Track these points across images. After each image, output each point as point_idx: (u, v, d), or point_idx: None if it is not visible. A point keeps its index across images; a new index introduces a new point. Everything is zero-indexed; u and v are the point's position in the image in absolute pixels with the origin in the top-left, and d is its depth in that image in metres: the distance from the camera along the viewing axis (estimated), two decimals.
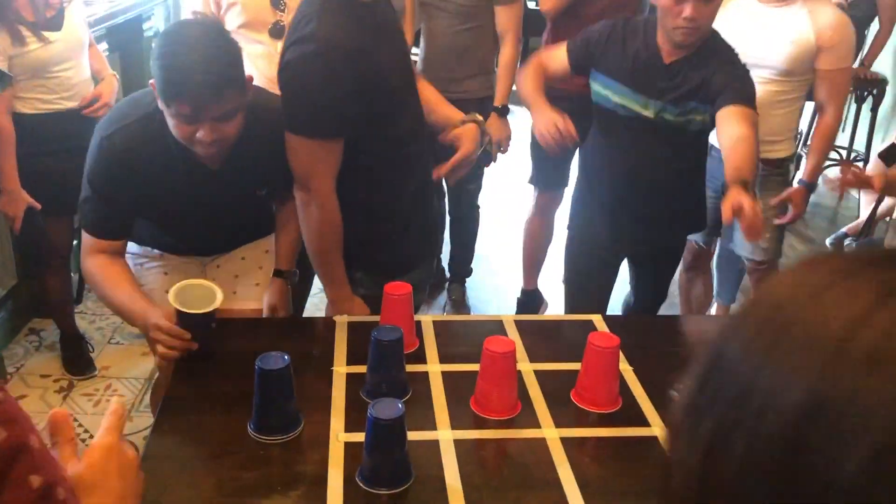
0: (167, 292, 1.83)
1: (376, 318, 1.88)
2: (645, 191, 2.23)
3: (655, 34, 2.11)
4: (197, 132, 1.62)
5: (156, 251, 2.00)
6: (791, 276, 0.46)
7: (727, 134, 1.98)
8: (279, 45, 2.12)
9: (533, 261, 3.20)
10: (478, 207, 3.27)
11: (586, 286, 2.38)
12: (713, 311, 3.42)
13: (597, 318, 1.97)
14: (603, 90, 2.19)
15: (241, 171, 1.81)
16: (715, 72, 2.05)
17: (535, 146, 2.99)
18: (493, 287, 3.52)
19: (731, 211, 1.77)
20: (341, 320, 1.90)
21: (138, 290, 1.80)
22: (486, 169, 3.13)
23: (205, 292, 1.71)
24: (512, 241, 3.46)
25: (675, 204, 2.26)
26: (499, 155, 2.89)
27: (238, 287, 2.03)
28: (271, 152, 1.79)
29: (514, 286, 3.35)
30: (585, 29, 2.23)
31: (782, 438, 0.40)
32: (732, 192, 1.80)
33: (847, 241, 3.56)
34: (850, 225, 3.82)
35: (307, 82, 1.71)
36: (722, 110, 2.00)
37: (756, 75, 2.21)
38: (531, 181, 3.10)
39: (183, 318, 1.66)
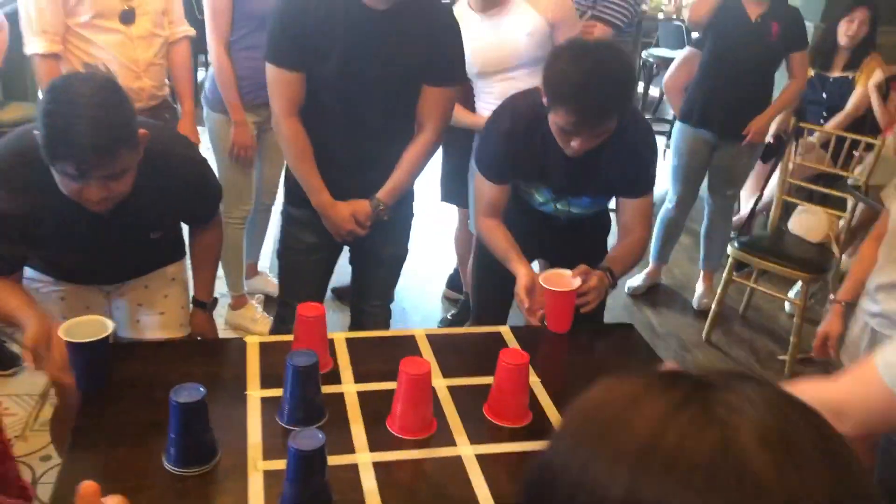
0: (65, 318, 1.78)
1: (289, 338, 1.88)
2: (549, 243, 2.35)
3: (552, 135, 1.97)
4: (83, 190, 1.57)
5: (50, 278, 1.92)
6: (595, 394, 0.55)
7: (623, 225, 2.16)
8: (132, 28, 2.56)
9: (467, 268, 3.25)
10: None
11: (493, 298, 2.42)
12: (700, 280, 3.84)
13: (504, 330, 2.04)
14: (526, 191, 2.21)
15: (132, 215, 1.75)
16: (623, 166, 2.05)
17: (445, 163, 3.04)
18: (409, 298, 3.56)
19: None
20: (252, 341, 1.89)
21: (27, 302, 1.72)
22: None
23: (95, 327, 1.64)
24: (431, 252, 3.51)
25: (583, 247, 2.31)
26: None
27: (141, 316, 1.99)
28: (166, 199, 1.76)
29: (431, 298, 3.46)
30: (482, 149, 2.17)
31: None
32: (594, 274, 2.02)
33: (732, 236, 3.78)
34: (734, 219, 4.05)
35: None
36: (622, 200, 2.15)
37: (501, 77, 2.48)
38: (444, 199, 3.15)
39: (71, 349, 1.60)
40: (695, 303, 3.85)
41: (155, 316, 2.00)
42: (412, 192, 2.34)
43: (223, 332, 3.07)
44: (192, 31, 2.83)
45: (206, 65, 3.00)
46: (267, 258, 3.67)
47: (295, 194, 2.24)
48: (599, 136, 1.91)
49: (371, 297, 2.45)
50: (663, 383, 0.52)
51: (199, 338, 2.10)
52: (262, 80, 2.39)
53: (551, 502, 0.50)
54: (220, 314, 3.21)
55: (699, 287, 3.88)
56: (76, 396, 1.68)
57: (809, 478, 0.45)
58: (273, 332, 2.38)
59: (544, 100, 1.91)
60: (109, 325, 1.65)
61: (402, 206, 2.30)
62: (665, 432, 0.47)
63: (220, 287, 3.28)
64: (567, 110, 1.84)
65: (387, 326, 2.49)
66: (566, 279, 2.00)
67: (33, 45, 2.45)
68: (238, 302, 3.23)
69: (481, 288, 2.46)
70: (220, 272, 3.05)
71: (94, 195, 1.57)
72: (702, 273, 3.90)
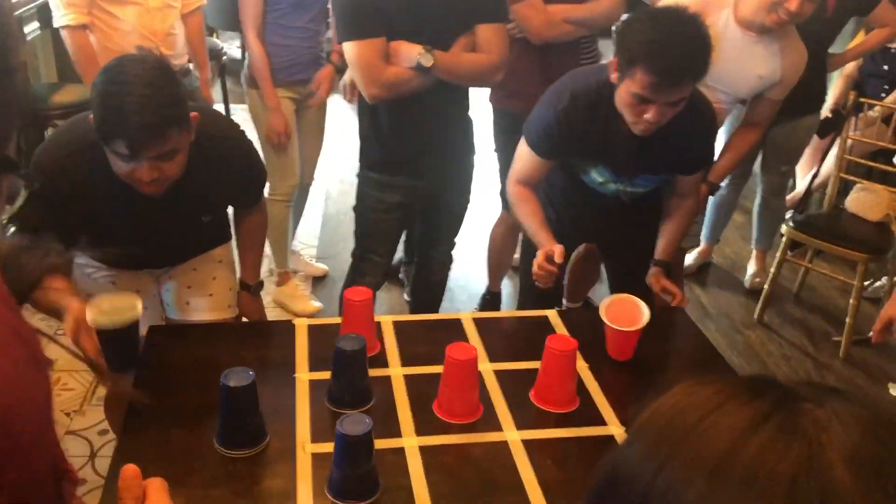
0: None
1: (337, 320, 1.90)
2: (603, 224, 2.31)
3: (615, 113, 1.93)
4: (135, 170, 1.59)
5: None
6: (677, 398, 0.52)
7: (676, 192, 2.18)
8: (149, 1, 2.68)
9: (496, 263, 3.22)
10: None
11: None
12: (752, 259, 3.81)
13: (551, 314, 2.02)
14: (583, 168, 2.15)
15: (184, 200, 1.77)
16: (685, 143, 2.02)
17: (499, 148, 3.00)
18: (456, 279, 3.55)
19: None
20: (300, 323, 1.91)
21: (67, 288, 1.75)
22: None
23: (125, 305, 1.67)
24: (478, 238, 3.50)
25: (636, 229, 2.29)
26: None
27: (191, 298, 2.02)
28: (217, 183, 1.78)
29: (477, 280, 3.42)
30: (535, 122, 2.07)
31: None
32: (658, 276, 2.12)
33: (788, 214, 3.68)
34: (788, 196, 3.95)
35: None
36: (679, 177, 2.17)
37: (713, 97, 2.31)
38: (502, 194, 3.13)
39: (98, 335, 1.61)
40: (746, 282, 3.77)
41: (204, 298, 2.03)
42: (473, 145, 2.49)
43: (269, 310, 3.12)
44: (203, 2, 2.96)
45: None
46: (307, 236, 3.70)
47: (372, 159, 2.38)
48: (674, 106, 1.84)
49: (439, 242, 2.65)
50: (749, 392, 0.50)
51: (245, 319, 2.13)
52: (300, 58, 2.40)
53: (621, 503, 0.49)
54: (268, 290, 3.27)
55: (751, 266, 3.80)
56: (123, 381, 1.72)
57: None
58: (347, 284, 2.46)
59: (613, 75, 1.87)
60: (138, 306, 1.67)
61: (466, 156, 2.49)
62: (747, 443, 0.46)
63: (266, 264, 3.36)
64: (644, 69, 1.77)
65: (448, 271, 2.77)
66: (630, 305, 1.86)
67: (62, 18, 2.60)
68: (283, 279, 3.28)
69: (528, 273, 2.44)
70: (267, 249, 3.13)
71: (145, 175, 1.59)
72: (754, 252, 3.82)
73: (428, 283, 2.72)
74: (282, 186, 3.06)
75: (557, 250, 1.95)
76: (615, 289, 2.34)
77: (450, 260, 2.74)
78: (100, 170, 1.65)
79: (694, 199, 2.24)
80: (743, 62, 2.34)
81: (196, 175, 1.71)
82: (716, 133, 2.10)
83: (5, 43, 0.68)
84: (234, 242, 2.14)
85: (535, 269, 1.99)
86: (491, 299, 3.30)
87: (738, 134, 2.61)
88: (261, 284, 2.15)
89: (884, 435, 0.46)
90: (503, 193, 2.55)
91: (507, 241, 3.16)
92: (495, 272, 3.26)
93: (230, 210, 2.10)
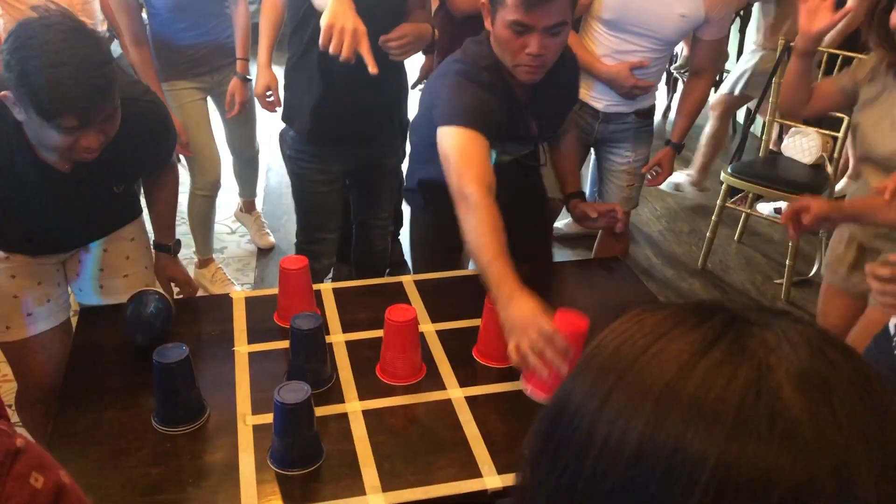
0: (15, 297, 1.78)
1: (273, 291, 1.87)
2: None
3: (502, 73, 1.81)
4: (81, 140, 1.50)
5: (0, 252, 1.79)
6: (624, 327, 0.51)
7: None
8: None
9: None
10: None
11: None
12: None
13: None
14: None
15: (98, 169, 1.67)
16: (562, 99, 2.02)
17: None
18: None
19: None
20: (237, 296, 1.88)
21: None
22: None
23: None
24: None
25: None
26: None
27: (105, 281, 1.93)
28: (132, 147, 1.70)
29: None
30: (455, 96, 1.77)
31: (618, 483, 0.44)
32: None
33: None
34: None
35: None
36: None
37: (639, 44, 2.30)
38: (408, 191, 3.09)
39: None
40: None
41: (119, 279, 1.94)
42: (406, 106, 2.50)
43: None
44: None
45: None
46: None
47: (310, 132, 2.30)
48: (553, 36, 1.71)
49: (378, 207, 2.60)
50: (696, 317, 0.49)
51: (172, 284, 2.06)
52: (197, 55, 2.71)
53: (569, 437, 0.48)
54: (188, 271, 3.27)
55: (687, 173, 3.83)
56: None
57: (846, 425, 0.43)
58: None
59: (487, 21, 1.77)
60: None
61: (399, 116, 2.49)
62: (695, 368, 0.45)
63: (187, 252, 3.31)
64: None
65: (389, 239, 2.72)
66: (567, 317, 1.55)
67: None
68: (203, 263, 3.26)
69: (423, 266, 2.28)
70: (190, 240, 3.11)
71: (93, 142, 1.52)
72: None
73: (369, 252, 2.68)
74: (201, 181, 3.02)
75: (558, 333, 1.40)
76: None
77: (389, 226, 2.70)
78: (3, 149, 1.57)
79: (707, 78, 2.49)
80: (660, 3, 2.28)
81: (114, 141, 1.61)
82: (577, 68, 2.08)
83: None
84: (146, 216, 2.05)
85: (511, 351, 1.44)
86: None
87: (688, 87, 2.57)
88: (178, 244, 2.06)
89: (832, 353, 0.46)
90: (411, 191, 2.19)
91: None
92: None
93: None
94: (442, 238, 2.10)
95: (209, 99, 3.02)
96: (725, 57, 4.60)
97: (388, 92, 2.35)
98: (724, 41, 2.45)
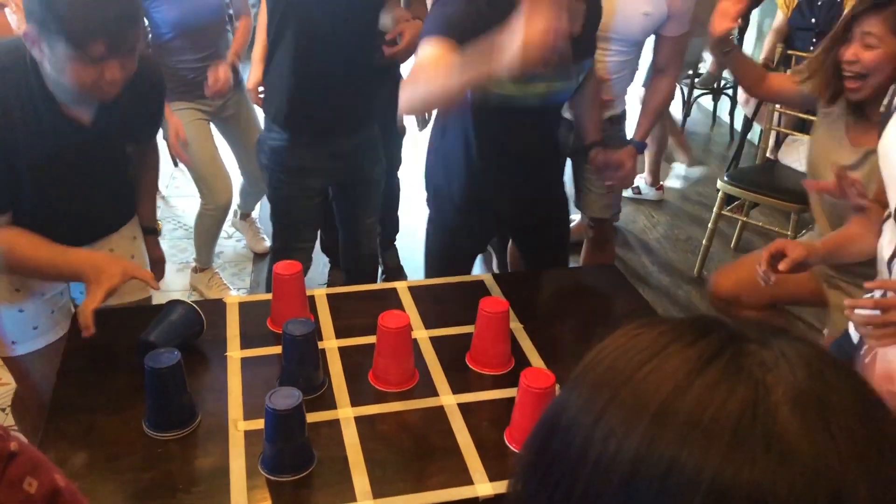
0: (21, 312, 1.80)
1: (266, 297, 1.87)
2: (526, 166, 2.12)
3: None
4: (106, 71, 1.52)
5: None
6: (620, 341, 0.50)
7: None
8: None
9: None
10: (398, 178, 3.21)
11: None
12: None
13: (486, 278, 2.02)
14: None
15: (112, 122, 1.71)
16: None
17: None
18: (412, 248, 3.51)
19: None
20: (231, 301, 1.88)
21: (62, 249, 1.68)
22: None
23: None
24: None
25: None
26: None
27: None
28: (139, 101, 1.74)
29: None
30: (442, 12, 1.72)
31: (611, 501, 0.44)
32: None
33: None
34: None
35: None
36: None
37: (604, 48, 2.29)
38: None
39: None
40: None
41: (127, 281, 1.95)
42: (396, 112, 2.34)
43: (183, 295, 3.11)
44: None
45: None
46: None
47: (293, 123, 2.26)
48: None
49: (363, 211, 2.56)
50: (694, 334, 0.48)
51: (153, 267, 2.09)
52: (199, 77, 2.70)
53: (562, 453, 0.47)
54: (185, 275, 3.34)
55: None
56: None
57: (844, 447, 0.42)
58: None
59: None
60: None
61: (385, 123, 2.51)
62: (691, 386, 0.44)
63: (187, 257, 3.32)
64: None
65: (377, 242, 2.72)
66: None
67: None
68: (201, 268, 3.27)
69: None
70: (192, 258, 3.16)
71: (117, 73, 1.53)
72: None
73: (358, 258, 2.66)
74: (212, 202, 3.03)
75: None
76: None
77: (376, 229, 2.68)
78: (27, 98, 1.57)
79: (671, 76, 2.43)
80: (622, 4, 2.26)
81: (123, 93, 1.63)
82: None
83: None
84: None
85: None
86: None
87: (651, 86, 2.49)
88: (159, 227, 2.13)
89: (830, 374, 0.45)
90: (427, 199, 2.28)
91: None
92: None
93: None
94: (456, 246, 2.21)
95: (213, 125, 3.03)
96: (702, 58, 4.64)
97: (369, 90, 2.30)
98: (686, 37, 2.38)
